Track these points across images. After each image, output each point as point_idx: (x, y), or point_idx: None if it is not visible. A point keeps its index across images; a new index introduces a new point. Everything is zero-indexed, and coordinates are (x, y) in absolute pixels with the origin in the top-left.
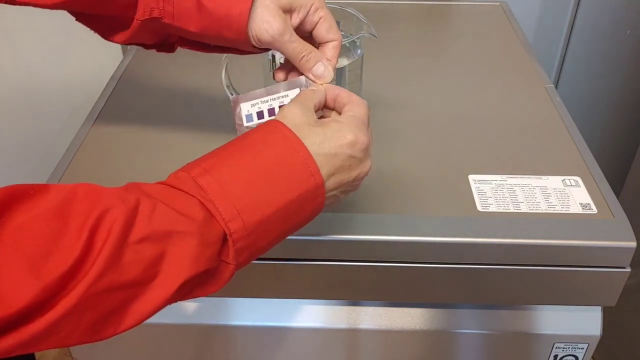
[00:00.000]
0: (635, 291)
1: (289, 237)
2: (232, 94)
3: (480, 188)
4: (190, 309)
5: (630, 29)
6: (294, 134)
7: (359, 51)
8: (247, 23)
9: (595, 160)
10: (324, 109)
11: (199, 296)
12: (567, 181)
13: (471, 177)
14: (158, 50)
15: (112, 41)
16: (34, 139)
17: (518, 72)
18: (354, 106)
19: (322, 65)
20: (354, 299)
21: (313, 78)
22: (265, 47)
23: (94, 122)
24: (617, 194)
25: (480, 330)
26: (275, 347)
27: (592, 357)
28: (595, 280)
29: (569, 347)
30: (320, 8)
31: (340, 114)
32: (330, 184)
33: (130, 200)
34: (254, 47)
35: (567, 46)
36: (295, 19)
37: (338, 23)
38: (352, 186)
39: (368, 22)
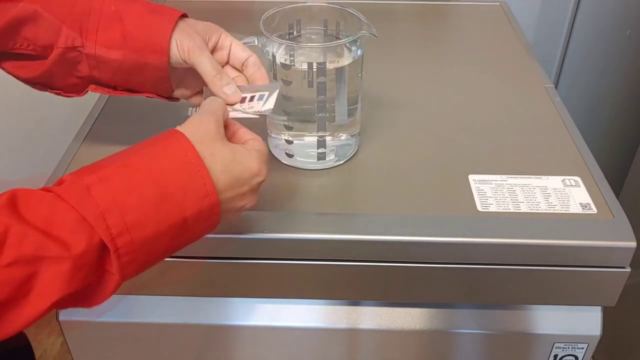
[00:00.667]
0: (635, 291)
1: (289, 237)
2: None
3: (480, 188)
4: (190, 309)
5: (630, 29)
6: (195, 151)
7: (359, 51)
8: (169, 44)
9: (595, 160)
10: None
11: (85, 307)
12: (567, 181)
13: (471, 177)
14: (64, 94)
15: (18, 77)
16: (35, 137)
17: (518, 72)
18: (258, 143)
19: (233, 86)
20: (354, 299)
21: (224, 97)
22: (183, 64)
23: (95, 121)
24: (617, 194)
25: (480, 330)
26: (275, 347)
27: (592, 357)
28: (595, 280)
29: (569, 347)
30: (229, 35)
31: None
32: (224, 206)
33: None
34: (168, 80)
35: (567, 46)
36: (210, 44)
37: (338, 23)
38: (233, 214)
39: (368, 22)
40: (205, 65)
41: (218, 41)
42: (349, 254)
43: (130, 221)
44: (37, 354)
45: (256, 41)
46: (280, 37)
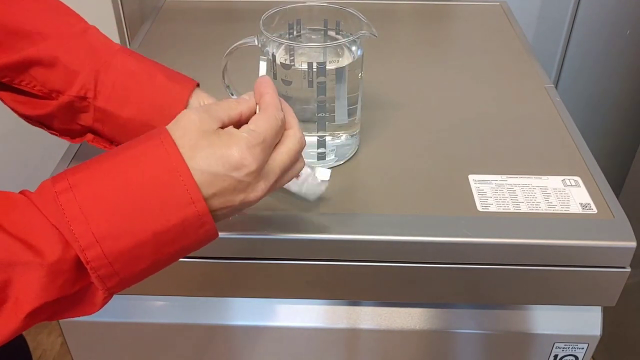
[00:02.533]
0: (635, 291)
1: (289, 237)
2: (232, 94)
3: (480, 188)
4: (190, 309)
5: (630, 29)
6: (177, 151)
7: (359, 51)
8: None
9: (595, 160)
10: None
11: (72, 317)
12: (567, 181)
13: (471, 177)
14: (60, 135)
15: (15, 110)
16: (34, 140)
17: (518, 72)
18: (260, 119)
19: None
20: (354, 299)
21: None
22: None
23: None
24: (617, 194)
25: (480, 330)
26: (275, 347)
27: (592, 357)
28: (595, 280)
29: (569, 347)
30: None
31: None
32: (214, 204)
33: None
34: None
35: (567, 46)
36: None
37: (338, 23)
38: (238, 209)
39: (368, 22)
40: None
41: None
42: (349, 254)
43: (100, 232)
44: (37, 354)
45: (256, 41)
46: (280, 37)
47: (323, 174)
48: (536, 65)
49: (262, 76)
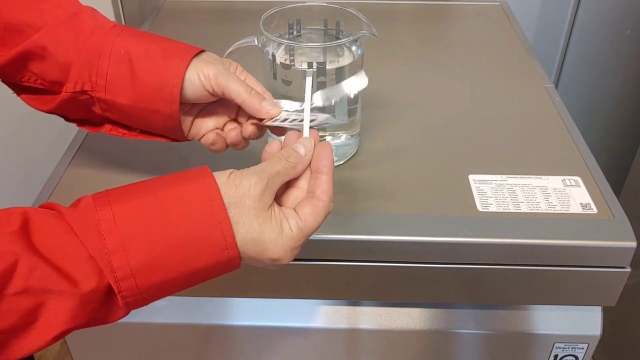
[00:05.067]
0: (635, 291)
1: None
2: None
3: (480, 188)
4: (190, 309)
5: (630, 29)
6: (221, 202)
7: (359, 51)
8: (181, 89)
9: (595, 160)
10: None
11: (87, 328)
12: (567, 181)
13: (471, 177)
14: (79, 125)
15: (35, 108)
16: (30, 145)
17: (518, 72)
18: (310, 216)
19: (270, 100)
20: (354, 299)
21: (264, 113)
22: (210, 96)
23: None
24: (617, 194)
25: (480, 330)
26: (276, 347)
27: (592, 357)
28: (595, 280)
29: (569, 347)
30: (244, 70)
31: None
32: (243, 261)
33: (9, 257)
34: (179, 127)
35: (567, 46)
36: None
37: (338, 23)
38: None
39: (368, 22)
40: (237, 86)
41: (236, 71)
42: (349, 254)
43: (136, 267)
44: (37, 354)
45: (256, 41)
46: (280, 37)
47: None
48: (536, 65)
49: (324, 144)
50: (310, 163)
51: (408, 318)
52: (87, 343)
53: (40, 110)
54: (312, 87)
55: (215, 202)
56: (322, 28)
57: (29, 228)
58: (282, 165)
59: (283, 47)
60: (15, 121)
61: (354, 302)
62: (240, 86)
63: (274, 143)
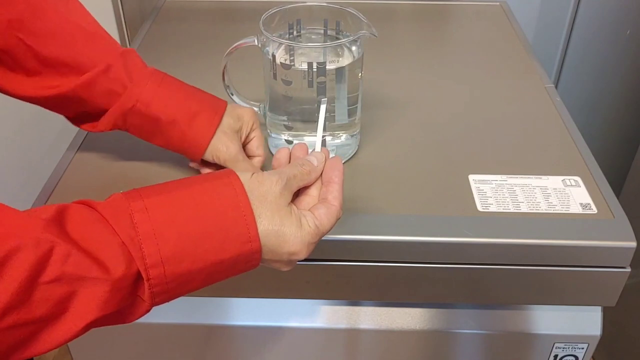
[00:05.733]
0: (635, 291)
1: None
2: (232, 94)
3: (480, 188)
4: (190, 309)
5: (630, 29)
6: (246, 197)
7: (359, 51)
8: (206, 150)
9: (595, 160)
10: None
11: (111, 325)
12: (567, 181)
13: (471, 177)
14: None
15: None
16: (30, 146)
17: (518, 72)
18: (325, 217)
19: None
20: (354, 299)
21: None
22: (219, 163)
23: None
24: (617, 194)
25: (480, 330)
26: (275, 347)
27: (592, 357)
28: (595, 280)
29: (569, 347)
30: (256, 128)
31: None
32: (263, 257)
33: (44, 244)
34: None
35: (567, 46)
36: (241, 136)
37: (338, 23)
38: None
39: (368, 22)
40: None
41: (248, 133)
42: (349, 254)
43: (166, 254)
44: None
45: (256, 41)
46: (280, 37)
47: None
48: (536, 65)
49: (335, 158)
50: (322, 174)
51: (408, 318)
52: (87, 343)
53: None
54: (325, 113)
55: (240, 196)
56: (322, 28)
57: (64, 217)
58: (298, 170)
59: (283, 47)
60: (15, 122)
61: (354, 302)
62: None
63: (282, 150)
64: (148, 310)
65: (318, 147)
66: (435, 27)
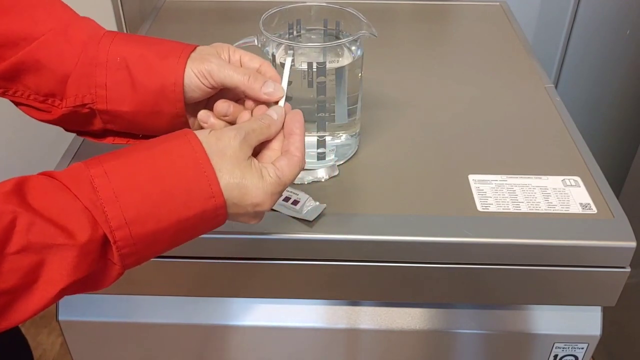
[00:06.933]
0: (635, 291)
1: (290, 237)
2: None
3: (480, 188)
4: (190, 309)
5: (630, 29)
6: (204, 153)
7: (359, 51)
8: (183, 87)
9: (595, 160)
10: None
11: (86, 292)
12: (567, 181)
13: (471, 177)
14: (80, 135)
15: (34, 118)
16: (30, 147)
17: (518, 72)
18: (290, 165)
19: (271, 83)
20: (354, 299)
21: (267, 98)
22: (210, 91)
23: None
24: (617, 194)
25: (480, 330)
26: (275, 347)
27: (592, 357)
28: (595, 280)
29: (568, 347)
30: (237, 49)
31: (280, 150)
32: (229, 211)
33: (6, 216)
34: (186, 124)
35: (567, 46)
36: (223, 57)
37: (338, 23)
38: (237, 221)
39: (368, 22)
40: (233, 76)
41: (229, 57)
42: (349, 254)
43: (130, 216)
44: (37, 354)
45: (256, 41)
46: (280, 37)
47: (330, 171)
48: (536, 65)
49: (296, 111)
50: (283, 127)
51: (408, 318)
52: (87, 343)
53: (40, 121)
54: (291, 67)
55: (199, 153)
56: (322, 28)
57: (24, 188)
58: (257, 124)
59: (283, 47)
60: (15, 121)
61: (354, 302)
62: (237, 75)
63: (244, 114)
64: (120, 274)
65: (282, 102)
66: (435, 27)
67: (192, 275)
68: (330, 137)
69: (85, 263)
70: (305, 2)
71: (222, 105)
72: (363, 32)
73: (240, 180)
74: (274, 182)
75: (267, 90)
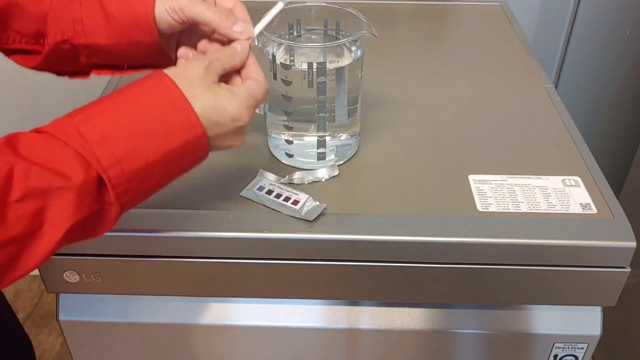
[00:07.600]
0: (635, 291)
1: (290, 237)
2: None
3: (480, 188)
4: (190, 309)
5: (630, 29)
6: (177, 89)
7: (359, 51)
8: (154, 18)
9: (595, 160)
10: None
11: (89, 238)
12: (567, 181)
13: (471, 177)
14: (71, 77)
15: (27, 66)
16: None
17: (518, 72)
18: (256, 84)
19: (241, 22)
20: (354, 299)
21: (237, 36)
22: (180, 26)
23: None
24: (617, 194)
25: (480, 330)
26: (275, 347)
27: (592, 357)
28: (595, 280)
29: (568, 347)
30: None
31: (242, 80)
32: (211, 142)
33: (3, 166)
34: (165, 48)
35: (567, 46)
36: None
37: (338, 23)
38: (222, 149)
39: (368, 22)
40: (205, 13)
41: None
42: (349, 254)
43: (119, 154)
44: (37, 354)
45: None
46: (280, 37)
47: (330, 171)
48: (536, 65)
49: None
50: (246, 59)
51: (408, 318)
52: (87, 343)
53: (31, 68)
54: (278, 13)
55: (173, 91)
56: (322, 28)
57: (14, 142)
58: (221, 53)
59: (283, 47)
60: (16, 121)
61: (354, 302)
62: (209, 12)
63: (212, 46)
64: (119, 215)
65: (254, 33)
66: (435, 27)
67: (192, 275)
68: (330, 137)
69: (84, 203)
70: (305, 2)
71: (202, 44)
72: (363, 32)
73: (215, 101)
74: (247, 95)
75: (237, 29)
